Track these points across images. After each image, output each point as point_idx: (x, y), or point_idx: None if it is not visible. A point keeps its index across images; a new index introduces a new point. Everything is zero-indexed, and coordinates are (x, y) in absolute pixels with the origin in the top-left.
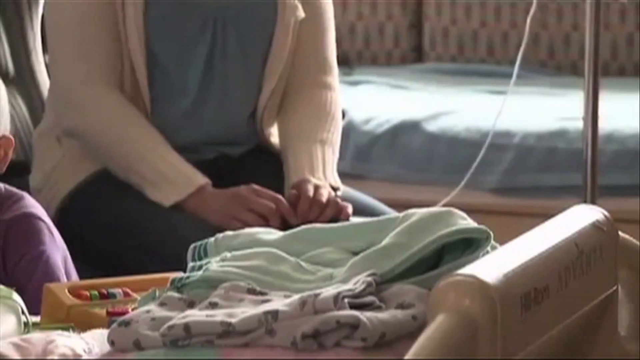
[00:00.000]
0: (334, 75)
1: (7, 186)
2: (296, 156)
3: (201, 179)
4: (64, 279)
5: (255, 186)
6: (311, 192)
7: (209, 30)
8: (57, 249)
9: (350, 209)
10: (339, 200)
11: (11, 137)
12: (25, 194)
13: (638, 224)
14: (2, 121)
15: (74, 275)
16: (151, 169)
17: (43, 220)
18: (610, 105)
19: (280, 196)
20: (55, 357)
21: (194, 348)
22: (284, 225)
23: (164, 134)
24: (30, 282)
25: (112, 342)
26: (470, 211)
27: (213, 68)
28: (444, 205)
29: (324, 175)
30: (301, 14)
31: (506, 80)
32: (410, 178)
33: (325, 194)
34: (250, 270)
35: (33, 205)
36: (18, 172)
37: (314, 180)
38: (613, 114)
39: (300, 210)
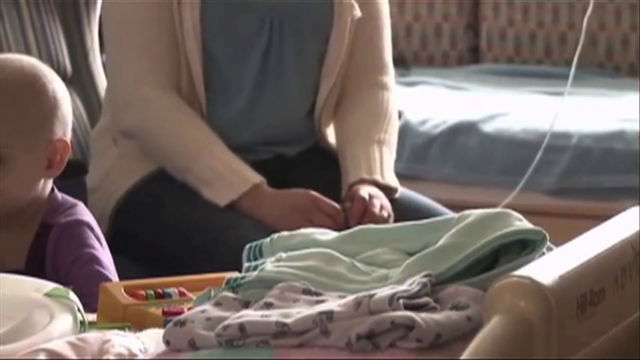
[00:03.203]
0: (390, 75)
1: (64, 195)
2: (353, 156)
3: (255, 178)
4: (116, 279)
5: (315, 195)
6: (366, 199)
7: (265, 30)
8: (107, 255)
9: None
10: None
11: (68, 141)
12: (80, 203)
13: None
14: (60, 124)
15: None
16: (206, 168)
17: (93, 229)
18: None
19: (338, 207)
20: (111, 357)
21: (248, 348)
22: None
23: (219, 135)
24: (84, 283)
25: (167, 342)
26: (527, 213)
27: (269, 68)
28: (503, 207)
29: (382, 175)
30: (357, 13)
31: (563, 81)
32: (466, 179)
33: (377, 204)
34: (305, 271)
35: (86, 213)
36: (75, 172)
37: (367, 189)
38: None
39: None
